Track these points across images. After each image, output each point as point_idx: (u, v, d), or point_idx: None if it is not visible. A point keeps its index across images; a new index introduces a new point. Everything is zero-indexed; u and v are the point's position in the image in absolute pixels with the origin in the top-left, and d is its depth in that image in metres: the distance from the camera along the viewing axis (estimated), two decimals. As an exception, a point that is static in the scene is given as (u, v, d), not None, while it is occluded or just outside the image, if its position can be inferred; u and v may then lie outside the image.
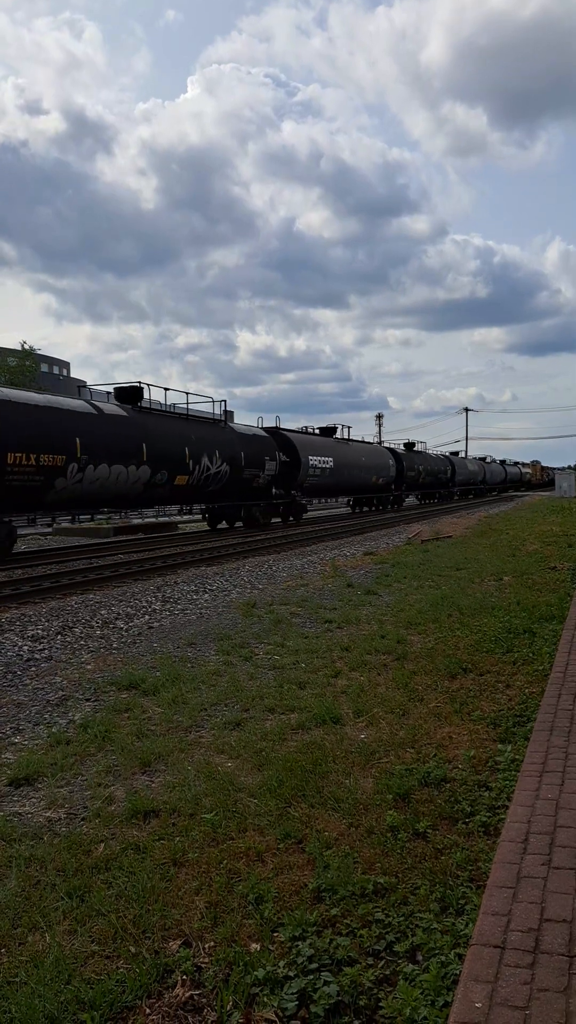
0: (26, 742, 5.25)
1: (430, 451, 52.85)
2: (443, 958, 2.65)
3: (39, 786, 4.44)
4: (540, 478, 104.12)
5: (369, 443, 40.90)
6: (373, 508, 40.87)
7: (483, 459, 69.73)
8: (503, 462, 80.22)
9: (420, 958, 2.71)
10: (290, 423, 35.35)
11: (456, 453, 64.68)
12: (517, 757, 4.40)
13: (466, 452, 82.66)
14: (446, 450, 72.27)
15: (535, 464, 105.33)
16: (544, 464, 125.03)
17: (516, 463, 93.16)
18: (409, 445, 48.27)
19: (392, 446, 44.74)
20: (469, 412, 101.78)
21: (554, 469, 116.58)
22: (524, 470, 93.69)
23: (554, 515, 29.89)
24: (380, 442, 50.15)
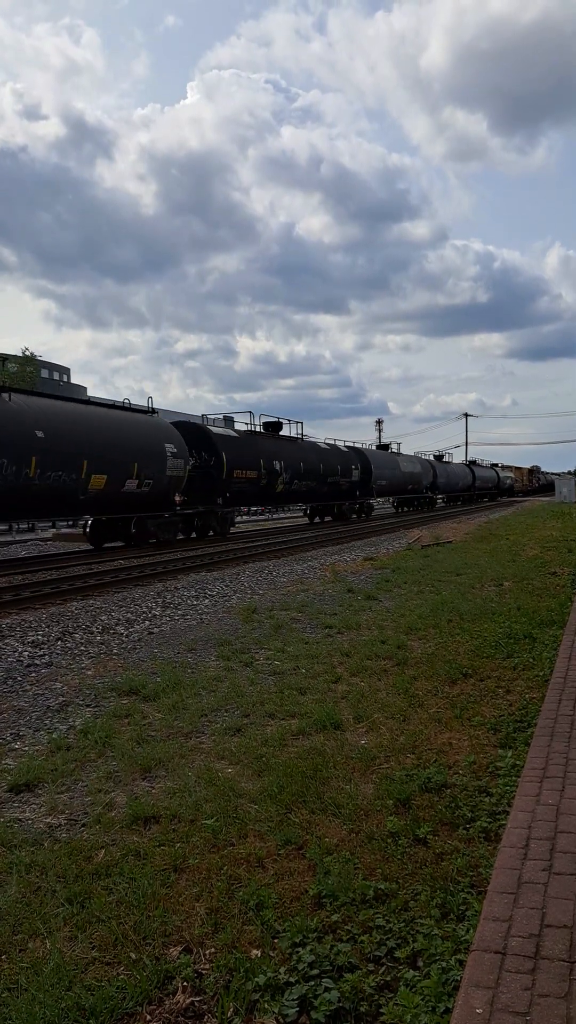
0: (26, 748, 5.24)
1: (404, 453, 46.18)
2: (444, 964, 2.65)
3: (39, 792, 4.44)
4: (527, 484, 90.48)
5: (330, 443, 34.91)
6: (331, 518, 34.87)
7: (439, 458, 57.37)
8: (470, 463, 67.57)
9: (421, 964, 2.71)
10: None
11: (440, 456, 57.64)
12: (518, 762, 4.40)
13: (466, 457, 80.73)
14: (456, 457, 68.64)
15: (521, 469, 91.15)
16: (545, 469, 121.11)
17: (494, 465, 79.17)
18: (383, 447, 44.23)
19: (359, 446, 37.97)
20: (469, 417, 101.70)
21: (550, 474, 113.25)
22: (505, 474, 79.17)
23: (554, 520, 29.90)
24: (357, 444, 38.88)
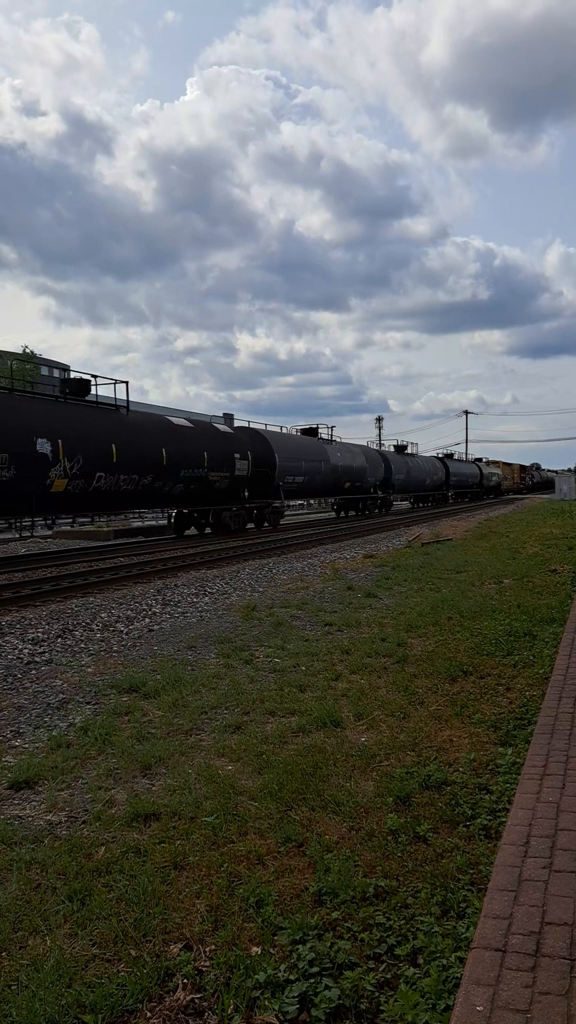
0: (26, 745, 5.24)
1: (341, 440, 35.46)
2: (444, 961, 2.65)
3: (40, 789, 4.44)
4: (518, 482, 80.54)
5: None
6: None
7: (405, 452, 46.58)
8: (444, 457, 54.79)
9: (421, 961, 2.71)
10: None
11: (403, 447, 46.11)
12: (518, 760, 4.40)
13: (466, 455, 75.62)
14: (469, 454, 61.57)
15: (512, 466, 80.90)
16: (546, 466, 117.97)
17: (478, 460, 69.02)
18: (311, 431, 33.42)
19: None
20: (469, 415, 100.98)
21: (546, 471, 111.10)
22: (490, 470, 67.79)
23: (554, 518, 29.89)
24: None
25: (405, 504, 51.23)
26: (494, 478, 68.49)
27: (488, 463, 71.84)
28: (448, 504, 51.77)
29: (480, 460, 70.19)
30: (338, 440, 34.70)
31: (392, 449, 46.41)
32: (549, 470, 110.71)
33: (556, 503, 46.22)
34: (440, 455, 55.81)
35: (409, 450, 48.16)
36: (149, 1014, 2.53)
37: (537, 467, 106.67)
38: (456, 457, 60.34)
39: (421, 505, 51.07)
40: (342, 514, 37.93)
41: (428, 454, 53.45)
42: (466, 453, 78.04)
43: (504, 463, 78.27)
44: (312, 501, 44.75)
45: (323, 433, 33.40)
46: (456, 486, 55.33)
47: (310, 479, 29.80)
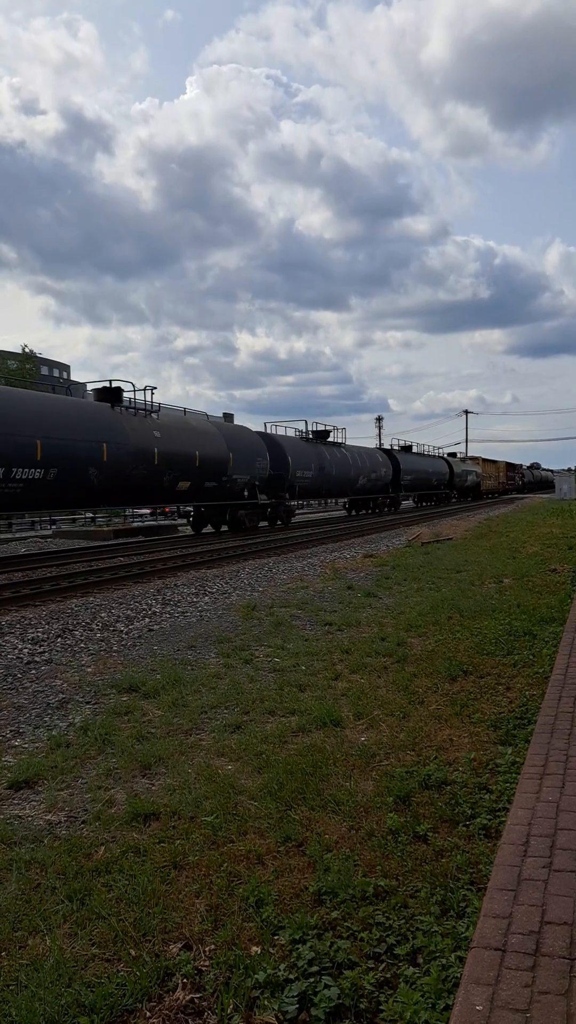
0: (26, 745, 5.24)
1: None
2: (444, 961, 2.65)
3: (39, 789, 4.44)
4: (504, 482, 71.32)
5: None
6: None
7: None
8: (390, 450, 43.00)
9: (421, 961, 2.71)
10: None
11: (325, 434, 32.77)
12: (518, 760, 4.40)
13: (466, 454, 73.19)
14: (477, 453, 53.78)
15: (497, 463, 70.84)
16: (546, 466, 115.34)
17: (452, 455, 58.28)
18: (322, 433, 32.13)
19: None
20: (469, 414, 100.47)
21: (540, 470, 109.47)
22: (464, 468, 57.04)
23: (554, 517, 29.89)
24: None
25: (408, 503, 50.05)
26: (470, 477, 57.97)
27: (464, 459, 62.82)
28: (395, 512, 41.05)
29: (455, 455, 60.25)
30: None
31: (398, 448, 44.70)
32: (547, 469, 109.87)
33: (556, 503, 46.23)
34: (389, 447, 45.35)
35: (415, 449, 47.80)
36: (149, 1014, 2.53)
37: (536, 466, 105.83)
38: (418, 451, 48.31)
39: (425, 504, 50.61)
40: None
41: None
42: (466, 452, 74.31)
43: (486, 459, 68.74)
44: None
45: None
46: (411, 485, 43.30)
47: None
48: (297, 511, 35.69)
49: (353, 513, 39.17)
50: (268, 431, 28.78)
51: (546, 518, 29.77)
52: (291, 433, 30.80)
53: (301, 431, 32.19)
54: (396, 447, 45.46)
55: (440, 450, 57.45)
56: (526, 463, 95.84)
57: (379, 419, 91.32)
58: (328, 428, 33.49)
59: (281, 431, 29.95)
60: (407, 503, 48.72)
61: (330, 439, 33.48)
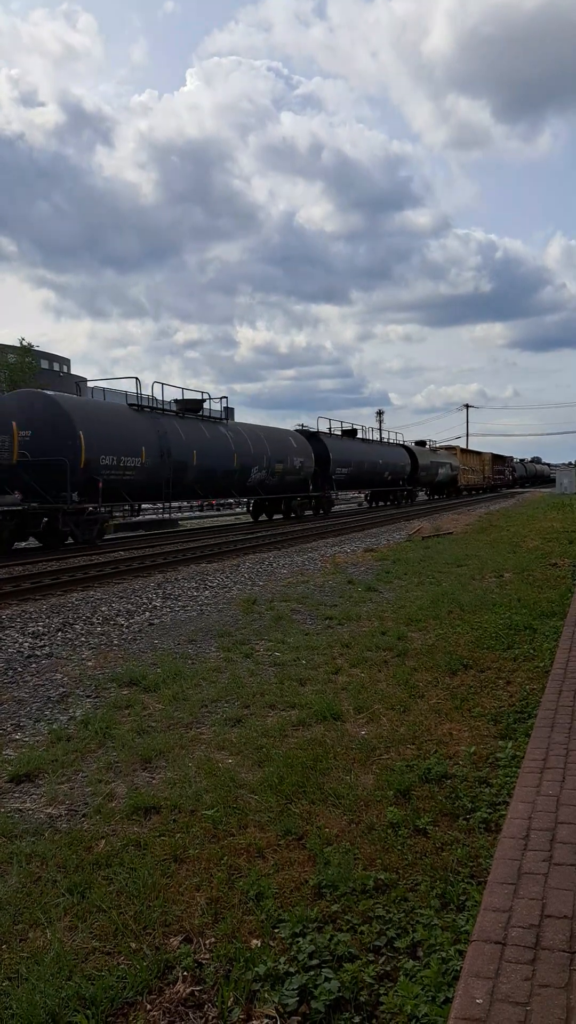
0: (27, 738, 5.25)
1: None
2: (444, 954, 2.65)
3: (40, 782, 4.44)
4: (489, 477, 63.17)
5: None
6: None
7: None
8: (310, 433, 32.09)
9: (421, 954, 2.71)
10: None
11: (423, 443, 42.55)
12: (518, 753, 4.40)
13: (467, 446, 71.25)
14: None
15: (481, 455, 63.62)
16: (547, 460, 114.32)
17: (419, 443, 48.32)
18: (350, 432, 34.47)
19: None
20: (470, 408, 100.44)
21: (543, 464, 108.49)
22: (434, 460, 47.71)
23: (555, 511, 29.89)
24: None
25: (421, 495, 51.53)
26: (441, 470, 48.80)
27: (435, 449, 51.96)
28: (328, 517, 31.80)
29: (424, 444, 49.87)
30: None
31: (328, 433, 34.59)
32: (547, 463, 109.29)
33: (557, 497, 46.20)
34: (313, 428, 33.07)
35: (428, 446, 50.02)
36: (149, 1006, 2.53)
37: (537, 460, 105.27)
38: (364, 436, 38.42)
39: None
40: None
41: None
42: (467, 446, 71.12)
43: (465, 450, 61.89)
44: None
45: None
46: (347, 477, 33.54)
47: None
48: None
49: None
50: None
51: (546, 512, 29.78)
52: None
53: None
54: (334, 432, 35.24)
55: (434, 442, 53.04)
56: (528, 457, 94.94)
57: (380, 413, 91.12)
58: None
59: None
60: (341, 506, 41.84)
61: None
